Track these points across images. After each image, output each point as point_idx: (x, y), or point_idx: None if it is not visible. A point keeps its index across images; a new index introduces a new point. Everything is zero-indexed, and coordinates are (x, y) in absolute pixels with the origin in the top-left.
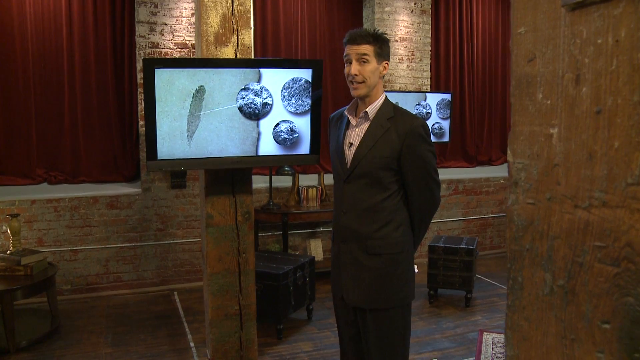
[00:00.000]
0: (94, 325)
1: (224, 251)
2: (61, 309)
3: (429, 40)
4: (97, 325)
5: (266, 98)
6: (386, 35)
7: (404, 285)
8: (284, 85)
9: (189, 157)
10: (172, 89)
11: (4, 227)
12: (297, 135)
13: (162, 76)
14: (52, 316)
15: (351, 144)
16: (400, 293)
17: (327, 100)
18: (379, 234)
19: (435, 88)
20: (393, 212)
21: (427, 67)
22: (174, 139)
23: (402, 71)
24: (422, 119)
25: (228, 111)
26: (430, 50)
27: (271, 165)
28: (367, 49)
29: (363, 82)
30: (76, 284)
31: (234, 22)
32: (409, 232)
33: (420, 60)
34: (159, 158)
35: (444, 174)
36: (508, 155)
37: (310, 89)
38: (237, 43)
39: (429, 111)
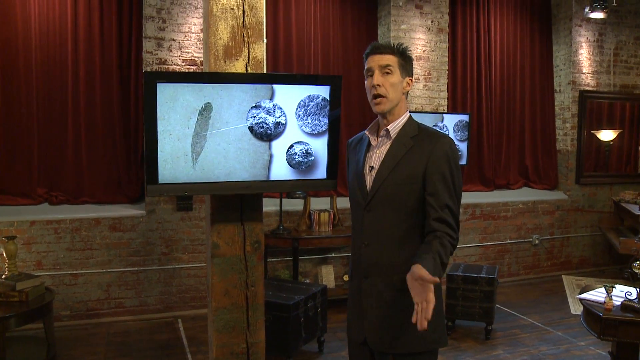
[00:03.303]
0: (93, 355)
1: (230, 284)
2: (59, 336)
3: (446, 59)
4: (96, 355)
5: (279, 117)
6: (410, 52)
7: (435, 327)
8: (299, 103)
9: (193, 181)
10: (175, 106)
11: (0, 250)
12: (312, 158)
13: (164, 91)
14: (48, 344)
15: (372, 167)
16: (431, 335)
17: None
18: (408, 266)
19: (452, 109)
20: (422, 241)
21: (444, 87)
22: (177, 161)
23: (418, 91)
24: (450, 138)
25: (237, 131)
26: (448, 70)
27: (284, 190)
28: (390, 59)
29: (386, 95)
30: (75, 310)
31: (244, 34)
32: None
33: (437, 80)
34: (160, 182)
35: (462, 197)
36: None
37: (327, 108)
38: (248, 57)
39: (446, 133)
